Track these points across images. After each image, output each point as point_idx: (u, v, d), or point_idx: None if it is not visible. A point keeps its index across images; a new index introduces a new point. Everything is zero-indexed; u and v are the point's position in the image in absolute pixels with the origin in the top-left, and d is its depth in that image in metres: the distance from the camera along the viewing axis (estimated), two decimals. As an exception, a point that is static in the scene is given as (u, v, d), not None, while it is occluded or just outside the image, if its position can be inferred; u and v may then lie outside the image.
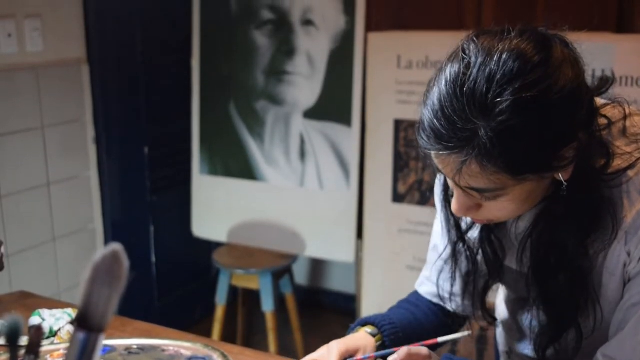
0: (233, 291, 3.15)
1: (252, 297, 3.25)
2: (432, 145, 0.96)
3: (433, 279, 1.32)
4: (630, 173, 1.02)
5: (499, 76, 0.90)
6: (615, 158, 1.01)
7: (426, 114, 0.96)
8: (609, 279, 1.05)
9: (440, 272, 1.29)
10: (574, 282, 1.05)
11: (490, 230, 1.16)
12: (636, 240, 1.01)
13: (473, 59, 0.93)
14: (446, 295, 1.30)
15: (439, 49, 2.56)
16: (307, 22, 2.82)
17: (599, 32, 2.32)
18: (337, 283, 3.64)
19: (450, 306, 1.31)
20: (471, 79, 0.91)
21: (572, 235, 1.03)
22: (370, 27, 2.75)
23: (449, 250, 1.22)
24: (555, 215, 1.03)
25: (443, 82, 0.94)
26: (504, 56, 0.91)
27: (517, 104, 0.89)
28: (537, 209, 1.06)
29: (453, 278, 1.24)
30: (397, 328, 1.25)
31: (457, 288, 1.27)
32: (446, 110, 0.93)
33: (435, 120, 0.94)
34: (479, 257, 1.20)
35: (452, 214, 1.15)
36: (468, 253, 1.20)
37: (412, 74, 2.64)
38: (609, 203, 1.01)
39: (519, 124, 0.89)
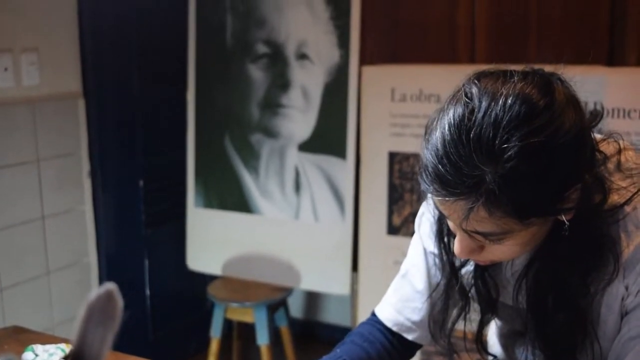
0: (228, 324, 3.13)
1: (247, 330, 3.23)
2: (437, 191, 0.95)
3: (397, 307, 1.30)
4: (627, 208, 1.02)
5: (505, 122, 0.89)
6: (611, 193, 1.02)
7: (429, 159, 0.95)
8: (607, 313, 1.05)
9: (408, 301, 1.28)
10: (573, 321, 1.05)
11: (484, 268, 1.16)
12: (634, 274, 1.01)
13: (477, 102, 0.92)
14: (409, 325, 1.28)
15: (432, 82, 2.61)
16: (302, 56, 2.85)
17: (590, 65, 2.35)
18: (332, 316, 3.62)
19: (410, 336, 1.29)
20: (476, 124, 0.90)
21: (573, 275, 1.03)
22: (364, 60, 2.77)
23: (442, 284, 1.21)
24: (554, 254, 1.03)
25: (446, 127, 0.93)
26: (509, 101, 0.90)
27: (525, 150, 0.88)
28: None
29: (444, 313, 1.23)
30: None
31: (423, 317, 1.26)
32: (452, 156, 0.91)
33: (440, 166, 0.93)
34: (472, 293, 1.20)
35: (446, 251, 1.15)
36: (461, 290, 1.19)
37: (406, 107, 2.66)
38: (608, 240, 1.01)
39: (527, 169, 0.88)
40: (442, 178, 0.93)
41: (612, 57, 2.44)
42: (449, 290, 1.20)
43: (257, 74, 2.95)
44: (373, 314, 1.35)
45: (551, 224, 1.00)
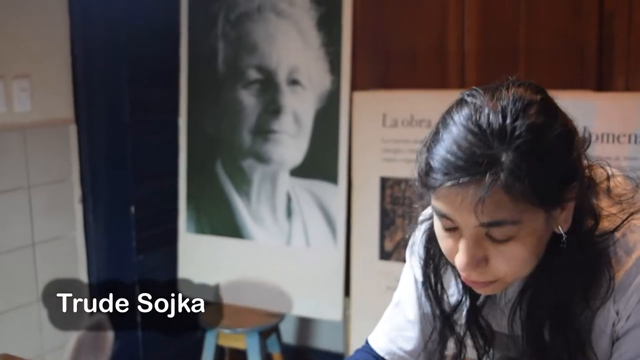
0: (220, 351, 3.10)
1: (239, 356, 3.20)
2: (449, 177, 0.93)
3: (390, 336, 1.30)
4: (617, 235, 1.03)
5: (510, 110, 0.94)
6: (602, 220, 1.03)
7: (438, 156, 0.95)
8: (600, 336, 1.06)
9: (401, 330, 1.28)
10: (571, 345, 1.05)
11: (478, 312, 1.15)
12: (624, 299, 1.01)
13: (481, 100, 0.96)
14: (401, 354, 1.28)
15: (423, 108, 2.62)
16: (294, 82, 2.86)
17: (579, 91, 2.37)
18: (324, 342, 3.60)
19: None
20: (484, 114, 0.94)
21: (565, 300, 1.03)
22: (355, 86, 2.79)
23: (435, 335, 1.21)
24: (546, 281, 1.03)
25: (454, 127, 0.95)
26: (510, 96, 0.96)
27: (534, 127, 0.93)
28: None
29: (440, 354, 1.22)
30: None
31: (416, 346, 1.26)
32: (463, 143, 0.93)
33: (449, 155, 0.93)
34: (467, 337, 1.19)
35: (437, 301, 1.15)
36: (455, 337, 1.19)
37: (397, 132, 2.67)
38: (600, 266, 1.02)
39: (537, 144, 0.92)
40: (454, 165, 0.93)
41: (601, 83, 2.46)
42: (443, 340, 1.20)
43: (249, 99, 2.96)
44: (367, 343, 1.35)
45: (548, 245, 1.01)
